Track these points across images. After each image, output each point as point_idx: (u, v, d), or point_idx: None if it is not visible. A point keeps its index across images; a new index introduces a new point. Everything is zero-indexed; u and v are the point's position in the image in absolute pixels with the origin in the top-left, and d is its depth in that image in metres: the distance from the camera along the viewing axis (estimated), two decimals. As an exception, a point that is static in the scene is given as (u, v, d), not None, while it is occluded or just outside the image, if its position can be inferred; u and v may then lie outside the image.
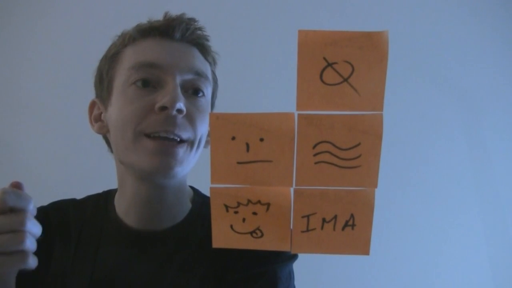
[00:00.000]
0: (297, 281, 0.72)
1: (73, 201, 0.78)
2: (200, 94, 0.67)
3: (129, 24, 0.71)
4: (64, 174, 1.50)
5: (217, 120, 0.43)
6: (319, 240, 0.46)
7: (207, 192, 0.77)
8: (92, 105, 0.73)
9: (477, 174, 1.60)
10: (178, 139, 0.63)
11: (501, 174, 1.60)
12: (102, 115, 0.71)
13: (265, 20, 1.57)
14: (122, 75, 0.66)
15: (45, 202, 0.77)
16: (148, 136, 0.62)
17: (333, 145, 0.43)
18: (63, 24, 1.59)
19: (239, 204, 0.45)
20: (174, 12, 0.70)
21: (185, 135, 0.64)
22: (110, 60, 0.69)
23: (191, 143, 0.65)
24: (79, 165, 1.50)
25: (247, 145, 0.43)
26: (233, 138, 0.43)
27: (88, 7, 1.60)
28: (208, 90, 0.69)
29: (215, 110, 0.76)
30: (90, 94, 0.75)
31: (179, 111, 0.62)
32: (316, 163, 0.43)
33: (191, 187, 0.78)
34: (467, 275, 1.57)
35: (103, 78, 0.70)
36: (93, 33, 1.56)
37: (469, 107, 1.62)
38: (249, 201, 0.45)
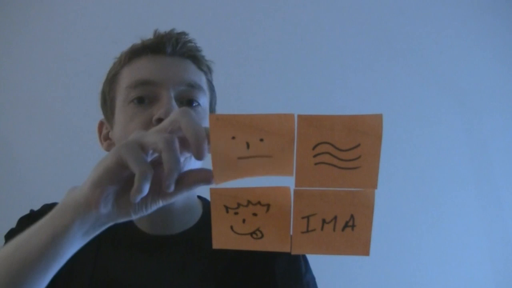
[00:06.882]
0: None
1: None
2: (195, 104, 0.70)
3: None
4: (64, 174, 1.50)
5: (217, 122, 0.43)
6: (319, 241, 0.46)
7: (207, 193, 0.77)
8: (101, 126, 0.78)
9: (477, 174, 1.60)
10: None
11: (501, 174, 1.60)
12: (110, 133, 0.75)
13: (266, 22, 1.57)
14: (121, 95, 0.70)
15: (45, 202, 0.77)
16: None
17: (333, 146, 0.42)
18: (63, 24, 1.59)
19: (239, 205, 0.45)
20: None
21: None
22: (110, 82, 0.74)
23: None
24: (79, 165, 1.50)
25: (247, 144, 0.43)
26: (233, 139, 0.43)
27: (89, 7, 1.60)
28: (203, 100, 0.72)
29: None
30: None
31: None
32: (316, 164, 0.43)
33: (198, 196, 0.80)
34: (467, 276, 1.57)
35: (106, 99, 0.75)
36: (94, 34, 1.56)
37: (469, 107, 1.62)
38: (249, 202, 0.45)
